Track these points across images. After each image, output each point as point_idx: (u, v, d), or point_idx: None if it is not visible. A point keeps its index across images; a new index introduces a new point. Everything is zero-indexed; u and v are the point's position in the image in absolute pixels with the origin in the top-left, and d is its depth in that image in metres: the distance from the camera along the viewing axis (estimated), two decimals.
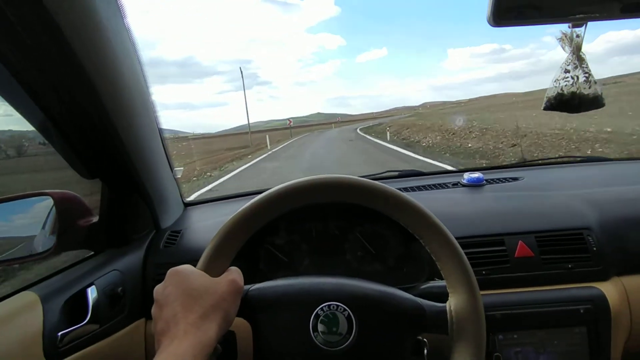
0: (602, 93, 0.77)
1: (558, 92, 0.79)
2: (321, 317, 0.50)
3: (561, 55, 0.75)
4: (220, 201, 1.20)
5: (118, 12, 0.61)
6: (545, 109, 0.82)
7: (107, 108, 0.61)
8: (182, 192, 1.08)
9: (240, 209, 0.54)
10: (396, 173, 1.26)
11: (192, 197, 1.17)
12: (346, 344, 0.49)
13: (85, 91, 0.58)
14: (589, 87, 0.75)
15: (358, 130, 27.99)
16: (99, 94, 0.59)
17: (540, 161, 1.33)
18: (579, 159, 1.28)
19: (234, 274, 0.52)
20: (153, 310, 0.48)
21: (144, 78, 0.72)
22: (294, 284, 0.55)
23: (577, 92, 0.76)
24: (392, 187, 1.11)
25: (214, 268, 0.51)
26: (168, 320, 0.44)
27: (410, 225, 0.55)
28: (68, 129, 0.64)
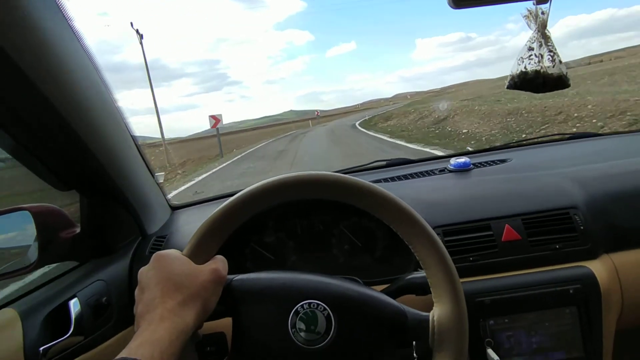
0: (566, 73, 0.75)
1: (522, 71, 0.77)
2: (300, 315, 0.50)
3: (525, 41, 0.74)
4: (208, 202, 1.19)
5: (63, 21, 0.59)
6: (509, 87, 0.81)
7: (68, 121, 0.60)
8: (166, 196, 1.07)
9: (227, 201, 0.54)
10: (384, 162, 1.25)
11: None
12: (324, 343, 0.49)
13: (42, 108, 0.57)
14: (554, 67, 0.73)
15: (358, 125, 21.87)
16: (57, 108, 0.58)
17: (528, 141, 1.31)
18: (567, 136, 1.27)
19: (218, 262, 0.52)
20: (136, 291, 0.48)
21: (104, 85, 0.70)
22: (276, 278, 0.54)
23: (541, 71, 0.74)
24: (381, 177, 1.10)
25: (199, 255, 0.51)
26: (148, 304, 0.45)
27: (399, 230, 0.54)
28: (33, 145, 0.63)
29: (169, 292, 0.45)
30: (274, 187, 0.54)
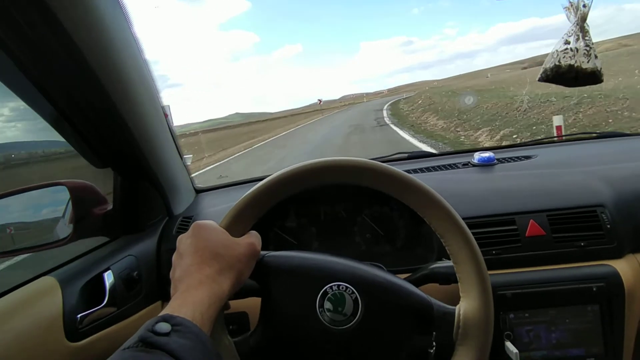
0: (600, 68, 0.73)
1: (555, 64, 0.75)
2: (329, 295, 0.51)
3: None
4: (231, 187, 1.21)
5: (117, 5, 0.62)
6: (541, 80, 0.79)
7: (113, 99, 0.62)
8: (192, 179, 1.10)
9: (267, 178, 0.55)
10: (406, 155, 1.25)
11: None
12: (349, 325, 0.50)
13: (90, 84, 0.59)
14: (588, 62, 0.72)
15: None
16: (104, 86, 0.60)
17: (554, 139, 1.29)
18: (594, 135, 1.24)
19: (253, 237, 0.53)
20: (174, 257, 0.50)
21: (147, 68, 0.73)
22: (308, 257, 0.56)
23: (575, 65, 0.73)
24: (401, 169, 1.10)
25: (235, 229, 0.53)
26: (186, 269, 0.46)
27: (432, 222, 0.54)
28: (77, 120, 0.66)
29: (206, 260, 0.47)
30: (315, 169, 0.54)
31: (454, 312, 0.52)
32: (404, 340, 0.52)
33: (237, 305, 0.66)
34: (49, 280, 0.65)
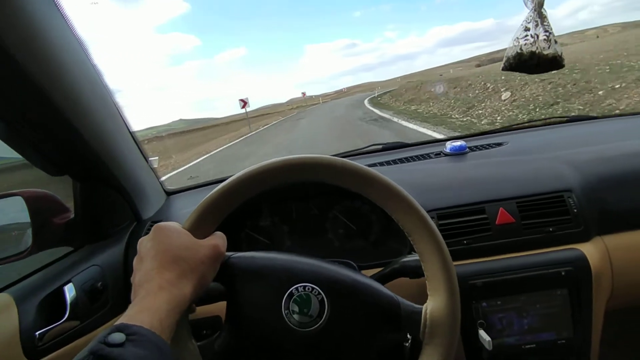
0: (561, 53, 0.73)
1: (517, 52, 0.76)
2: (295, 297, 0.50)
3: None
4: (204, 187, 1.18)
5: (52, 5, 0.58)
6: (504, 69, 0.79)
7: (58, 104, 0.59)
8: (161, 181, 1.07)
9: (228, 180, 0.53)
10: (380, 146, 1.24)
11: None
12: (316, 326, 0.49)
13: (33, 92, 0.56)
14: (549, 47, 0.72)
15: None
16: (48, 92, 0.57)
17: (525, 124, 1.31)
18: (565, 119, 1.26)
19: (218, 239, 0.52)
20: (135, 261, 0.48)
21: (95, 70, 0.69)
22: (273, 258, 0.54)
23: (537, 51, 0.73)
24: (377, 160, 1.09)
25: (198, 230, 0.51)
26: (146, 274, 0.45)
27: (398, 217, 0.54)
28: (24, 129, 0.62)
29: (167, 264, 0.45)
30: (275, 168, 0.53)
31: (421, 311, 0.51)
32: (373, 339, 0.52)
33: (209, 309, 0.65)
34: (4, 298, 0.62)
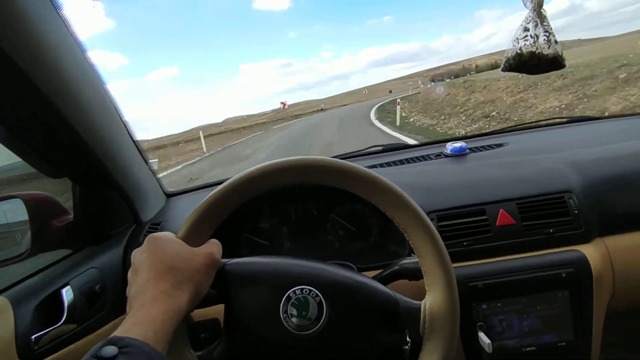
0: (562, 53, 0.73)
1: (517, 52, 0.75)
2: (292, 300, 0.50)
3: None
4: (204, 189, 1.18)
5: (52, 9, 0.58)
6: (504, 70, 0.79)
7: (58, 106, 0.59)
8: (161, 183, 1.06)
9: (221, 185, 0.53)
10: (380, 148, 1.24)
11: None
12: (315, 329, 0.49)
13: (32, 94, 0.56)
14: (549, 47, 0.71)
15: None
16: (47, 94, 0.57)
17: (526, 125, 1.30)
18: (565, 119, 1.26)
19: (213, 246, 0.52)
20: (129, 273, 0.48)
21: (95, 73, 0.69)
22: (269, 262, 0.54)
23: (537, 52, 0.72)
24: (377, 162, 1.09)
25: (193, 239, 0.51)
26: (140, 285, 0.45)
27: (394, 216, 0.53)
28: (23, 131, 0.62)
29: (161, 274, 0.45)
30: (268, 171, 0.53)
31: (420, 307, 0.51)
32: (373, 340, 0.51)
33: (207, 312, 0.64)
34: (0, 301, 0.62)
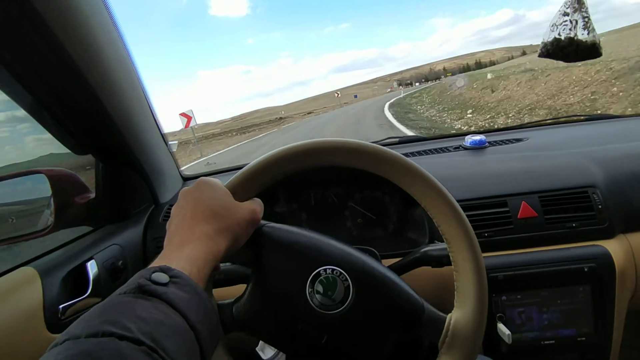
0: (599, 41, 0.71)
1: (555, 37, 0.73)
2: (321, 278, 0.49)
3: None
4: (219, 174, 1.18)
5: None
6: (541, 55, 0.77)
7: (90, 83, 0.60)
8: (179, 166, 1.07)
9: (278, 149, 0.53)
10: (397, 139, 1.23)
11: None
12: (336, 311, 0.48)
13: (66, 69, 0.57)
14: (587, 34, 0.69)
15: None
16: (81, 70, 0.57)
17: (545, 121, 1.29)
18: (583, 117, 1.24)
19: (257, 204, 0.52)
20: (173, 208, 0.48)
21: (127, 53, 0.69)
22: (306, 235, 0.53)
23: (575, 37, 0.70)
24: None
25: (240, 193, 0.51)
26: (183, 223, 0.45)
27: (423, 201, 0.52)
28: (55, 107, 0.63)
29: (206, 218, 0.45)
30: (324, 147, 0.52)
31: (444, 320, 0.49)
32: (388, 337, 0.50)
33: (229, 292, 0.64)
34: (28, 271, 0.63)
